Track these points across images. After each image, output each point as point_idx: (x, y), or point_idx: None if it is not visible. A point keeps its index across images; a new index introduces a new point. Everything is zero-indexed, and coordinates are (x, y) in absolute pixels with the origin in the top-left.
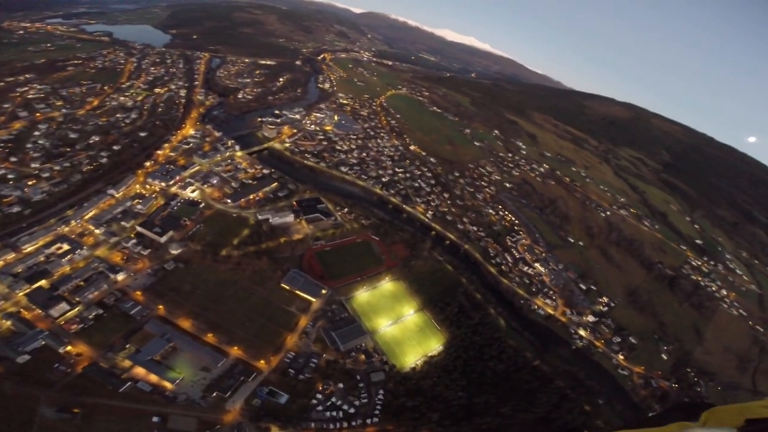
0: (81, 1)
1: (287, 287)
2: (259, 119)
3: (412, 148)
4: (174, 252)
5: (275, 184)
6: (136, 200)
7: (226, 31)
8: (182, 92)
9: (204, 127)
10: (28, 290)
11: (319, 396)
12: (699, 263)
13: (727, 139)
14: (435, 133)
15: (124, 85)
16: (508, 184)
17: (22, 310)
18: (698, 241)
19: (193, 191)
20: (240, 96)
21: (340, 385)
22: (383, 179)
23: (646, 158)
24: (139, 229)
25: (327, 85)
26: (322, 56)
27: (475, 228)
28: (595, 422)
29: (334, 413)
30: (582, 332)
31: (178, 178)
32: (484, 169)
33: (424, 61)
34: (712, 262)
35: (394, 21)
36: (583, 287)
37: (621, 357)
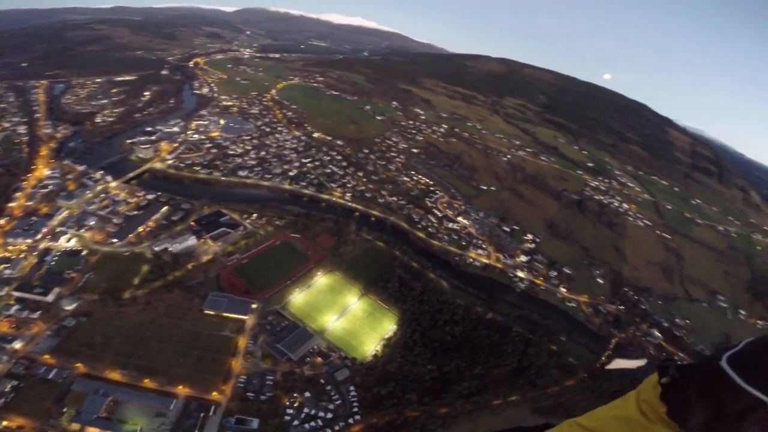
0: None
1: (212, 312)
2: (129, 141)
3: (315, 135)
4: (68, 308)
5: (165, 208)
6: (2, 265)
7: (66, 52)
8: (21, 129)
9: (62, 164)
10: None
11: (290, 411)
12: (596, 183)
13: (587, 78)
14: (336, 116)
15: None
16: (415, 150)
17: None
18: (590, 164)
19: (68, 240)
20: (98, 120)
21: (307, 394)
22: (290, 173)
23: (528, 104)
24: (16, 294)
25: (205, 90)
26: (194, 61)
27: (395, 198)
28: (568, 359)
29: (313, 423)
30: (520, 273)
31: (45, 230)
32: (391, 141)
33: (314, 48)
34: (606, 180)
35: (275, 13)
36: (507, 229)
37: (563, 290)
